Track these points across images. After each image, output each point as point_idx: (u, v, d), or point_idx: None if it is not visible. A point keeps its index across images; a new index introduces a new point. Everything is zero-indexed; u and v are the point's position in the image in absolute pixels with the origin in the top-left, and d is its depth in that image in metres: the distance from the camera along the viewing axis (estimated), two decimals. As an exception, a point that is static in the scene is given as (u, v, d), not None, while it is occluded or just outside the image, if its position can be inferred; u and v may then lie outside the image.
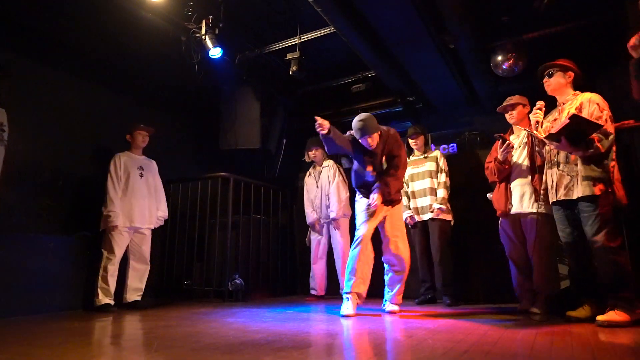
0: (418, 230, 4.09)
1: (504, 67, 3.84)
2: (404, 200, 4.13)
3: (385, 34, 3.63)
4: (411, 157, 4.23)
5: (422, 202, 4.03)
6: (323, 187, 4.61)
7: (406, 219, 3.98)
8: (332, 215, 4.45)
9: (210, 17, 3.77)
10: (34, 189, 3.60)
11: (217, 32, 3.79)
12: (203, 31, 3.78)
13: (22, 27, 3.57)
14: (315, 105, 5.46)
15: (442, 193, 3.94)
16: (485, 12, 3.72)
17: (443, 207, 3.89)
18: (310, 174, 4.82)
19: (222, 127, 4.88)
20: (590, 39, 3.83)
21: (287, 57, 4.15)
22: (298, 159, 5.16)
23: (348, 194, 4.52)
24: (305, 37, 4.11)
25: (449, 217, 3.97)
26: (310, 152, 4.71)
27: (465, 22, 3.45)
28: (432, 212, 3.91)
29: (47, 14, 3.51)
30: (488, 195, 3.47)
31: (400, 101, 4.81)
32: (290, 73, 4.14)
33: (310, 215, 4.65)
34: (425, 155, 4.16)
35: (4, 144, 2.98)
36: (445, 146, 4.79)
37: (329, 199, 4.53)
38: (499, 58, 3.85)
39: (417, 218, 4.06)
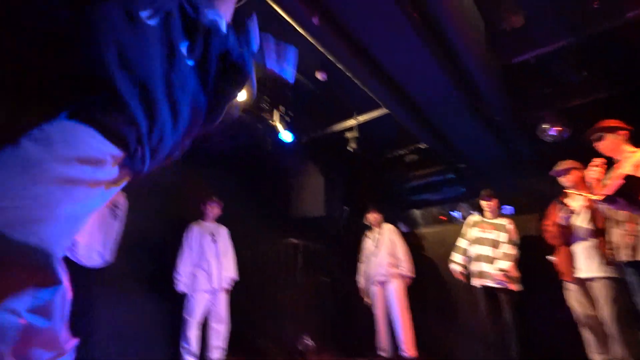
0: (483, 295, 3.80)
1: (552, 133, 3.73)
2: (458, 257, 3.93)
3: (431, 111, 3.73)
4: (480, 217, 4.05)
5: (486, 267, 3.76)
6: (385, 247, 4.50)
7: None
8: (403, 271, 4.33)
9: (280, 107, 4.13)
10: (135, 256, 3.91)
11: (287, 119, 4.13)
12: (275, 119, 4.14)
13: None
14: (373, 173, 5.57)
15: (507, 265, 3.67)
16: (526, 83, 3.72)
17: (506, 279, 3.61)
18: (368, 236, 4.78)
19: (291, 197, 5.11)
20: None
21: (346, 136, 4.36)
22: (359, 223, 5.19)
23: None
24: (362, 118, 4.32)
25: (516, 287, 3.65)
26: (369, 215, 4.72)
27: (504, 94, 3.47)
28: (498, 279, 3.64)
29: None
30: (549, 257, 3.23)
31: (451, 169, 4.78)
32: (349, 149, 4.32)
33: (361, 281, 4.56)
34: (496, 221, 3.93)
35: (119, 219, 3.32)
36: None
37: (394, 258, 4.41)
38: (545, 125, 3.76)
39: (478, 283, 3.80)
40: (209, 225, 4.13)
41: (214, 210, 4.15)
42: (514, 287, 3.62)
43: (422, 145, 4.74)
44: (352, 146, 4.29)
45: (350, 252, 5.49)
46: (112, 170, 0.85)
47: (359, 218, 5.15)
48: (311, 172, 5.06)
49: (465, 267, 3.93)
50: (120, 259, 3.45)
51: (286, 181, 5.25)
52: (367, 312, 4.89)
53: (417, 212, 5.60)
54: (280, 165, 5.24)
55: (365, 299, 4.61)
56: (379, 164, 5.46)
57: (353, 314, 5.26)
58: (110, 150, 0.81)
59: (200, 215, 4.13)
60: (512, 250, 3.71)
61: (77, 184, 0.77)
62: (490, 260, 3.74)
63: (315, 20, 2.73)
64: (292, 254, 4.60)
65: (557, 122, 3.72)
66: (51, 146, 0.73)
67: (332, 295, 4.94)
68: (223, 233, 4.18)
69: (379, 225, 4.71)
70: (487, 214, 4.00)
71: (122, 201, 3.41)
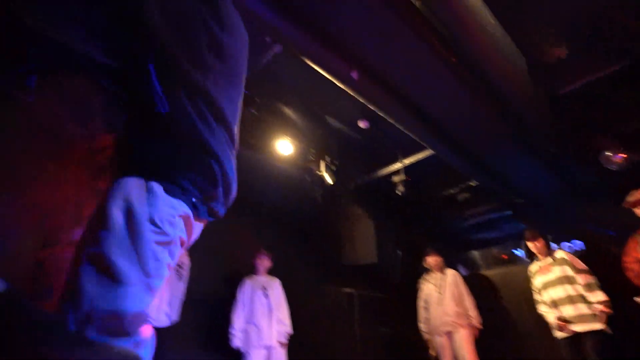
0: (567, 345, 3.35)
1: (616, 161, 3.46)
2: (544, 308, 3.57)
3: (479, 149, 3.64)
4: (535, 263, 3.74)
5: (568, 310, 3.35)
6: (450, 293, 4.17)
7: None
8: (472, 321, 4.00)
9: (327, 157, 4.23)
10: (195, 313, 3.99)
11: (333, 168, 4.19)
12: (323, 169, 4.22)
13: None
14: (425, 215, 5.41)
15: (597, 296, 3.24)
16: (579, 112, 3.54)
17: (607, 310, 3.14)
18: (428, 281, 4.48)
19: (342, 245, 5.06)
20: None
21: (394, 180, 4.32)
22: (415, 268, 4.98)
23: None
24: (407, 161, 4.29)
25: (604, 326, 3.16)
26: (429, 258, 4.48)
27: (555, 125, 3.32)
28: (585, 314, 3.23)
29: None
30: (637, 299, 2.87)
31: (507, 205, 4.54)
32: (398, 193, 4.26)
33: (424, 331, 4.29)
34: (552, 258, 3.61)
35: (184, 280, 3.44)
36: (568, 244, 4.22)
37: (461, 306, 4.09)
38: (608, 153, 3.50)
39: (561, 334, 3.37)
40: (261, 278, 4.10)
41: (264, 262, 4.14)
42: (601, 326, 3.14)
43: (473, 183, 4.57)
44: (400, 189, 4.23)
45: (408, 300, 5.25)
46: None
47: (414, 262, 4.96)
48: (360, 218, 5.02)
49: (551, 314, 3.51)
50: (181, 316, 3.59)
51: (336, 229, 5.23)
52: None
53: (475, 253, 5.30)
54: (329, 213, 5.26)
55: (430, 351, 4.30)
56: (430, 205, 5.31)
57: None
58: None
59: (252, 269, 4.16)
60: (588, 279, 3.31)
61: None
62: (569, 300, 3.35)
63: (354, 75, 2.84)
64: (347, 304, 4.47)
65: (620, 149, 3.46)
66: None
67: (393, 347, 4.67)
68: (275, 286, 4.12)
69: (440, 269, 4.43)
70: (538, 255, 3.70)
71: (187, 261, 3.57)
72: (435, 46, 2.65)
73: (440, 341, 4.11)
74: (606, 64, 2.99)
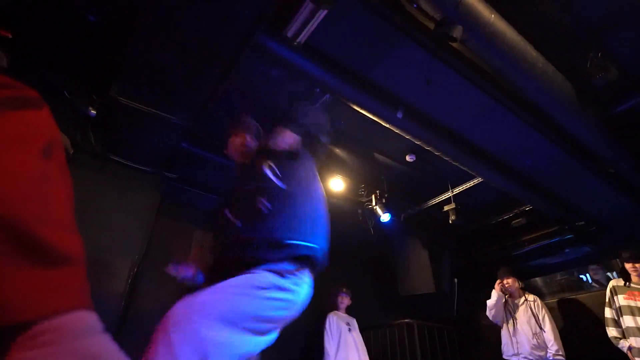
0: None
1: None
2: (614, 331, 3.31)
3: (534, 176, 3.55)
4: (620, 280, 3.45)
5: None
6: (529, 322, 3.71)
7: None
8: (553, 354, 3.48)
9: (377, 191, 4.30)
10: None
11: (384, 201, 4.25)
12: (374, 202, 4.29)
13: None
14: (480, 242, 5.25)
15: None
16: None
17: None
18: (507, 308, 3.92)
19: (398, 276, 5.01)
20: None
21: (445, 209, 4.28)
22: (472, 296, 4.81)
23: None
24: (457, 190, 4.26)
25: None
26: (507, 280, 3.90)
27: (614, 144, 3.17)
28: None
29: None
30: None
31: (568, 228, 4.30)
32: (450, 222, 4.20)
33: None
34: None
35: None
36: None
37: (540, 337, 3.60)
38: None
39: None
40: (343, 315, 4.15)
41: (344, 300, 4.22)
42: None
43: (528, 207, 4.40)
44: (452, 218, 4.17)
45: (468, 329, 5.03)
46: None
47: (472, 292, 4.79)
48: (415, 247, 4.97)
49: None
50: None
51: (392, 261, 5.21)
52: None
53: (538, 280, 5.00)
54: (385, 245, 5.26)
55: None
56: (485, 232, 5.15)
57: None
58: None
59: (334, 307, 4.22)
60: None
61: None
62: None
63: (399, 115, 2.96)
64: (409, 334, 4.38)
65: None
66: None
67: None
68: (355, 324, 4.17)
69: (518, 294, 3.94)
70: (635, 278, 3.37)
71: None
72: (478, 81, 2.72)
73: None
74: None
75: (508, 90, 2.83)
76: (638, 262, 3.34)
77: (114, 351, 0.54)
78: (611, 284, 3.55)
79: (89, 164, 3.21)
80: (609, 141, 3.18)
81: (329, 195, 3.98)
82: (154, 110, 2.72)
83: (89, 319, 0.53)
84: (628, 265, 3.38)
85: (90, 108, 2.93)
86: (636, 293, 3.30)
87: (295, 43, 2.35)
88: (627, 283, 3.39)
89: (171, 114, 2.78)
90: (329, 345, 3.82)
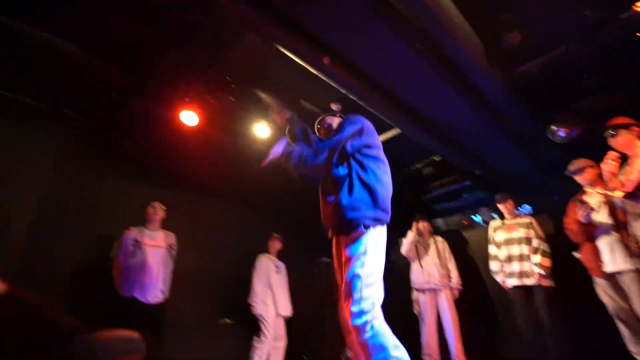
0: (518, 295, 3.75)
1: (560, 134, 3.70)
2: (495, 265, 3.93)
3: (448, 130, 3.80)
4: (498, 220, 4.10)
5: (520, 266, 3.74)
6: (436, 257, 4.39)
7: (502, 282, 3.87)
8: (454, 283, 4.31)
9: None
10: (196, 290, 4.12)
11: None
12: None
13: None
14: (395, 188, 5.58)
15: (539, 259, 3.67)
16: (536, 90, 3.68)
17: (543, 272, 3.59)
18: (417, 245, 4.53)
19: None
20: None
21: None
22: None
23: None
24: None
25: (550, 282, 3.63)
26: (419, 224, 4.53)
27: (515, 101, 3.47)
28: (533, 274, 3.64)
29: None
30: (575, 254, 3.20)
31: (467, 176, 4.78)
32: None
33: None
34: (519, 220, 3.94)
35: (172, 259, 3.62)
36: (519, 208, 4.51)
37: (445, 269, 4.35)
38: (554, 127, 3.73)
39: (517, 282, 3.73)
40: (273, 258, 4.45)
41: (274, 244, 4.49)
42: (548, 282, 3.60)
43: (437, 158, 4.76)
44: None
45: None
46: None
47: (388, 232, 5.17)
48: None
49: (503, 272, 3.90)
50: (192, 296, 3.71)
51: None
52: (404, 319, 4.82)
53: (440, 221, 5.60)
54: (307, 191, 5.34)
55: (416, 309, 4.42)
56: (398, 179, 5.48)
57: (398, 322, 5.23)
58: None
59: (265, 249, 4.48)
60: (542, 245, 3.72)
61: None
62: (522, 258, 3.74)
63: (326, 61, 2.91)
64: (326, 272, 4.68)
65: (565, 123, 3.69)
66: None
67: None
68: (282, 268, 4.49)
69: (428, 235, 4.60)
70: (507, 215, 4.02)
71: (175, 242, 3.67)
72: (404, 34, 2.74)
73: (424, 299, 4.30)
74: (559, 46, 3.12)
75: (433, 47, 2.89)
76: (502, 203, 3.98)
77: None
78: (491, 224, 4.16)
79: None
80: (512, 100, 3.48)
81: (254, 141, 3.87)
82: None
83: None
84: (500, 206, 4.02)
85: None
86: (510, 226, 3.93)
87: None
88: (503, 221, 4.03)
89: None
90: (256, 283, 4.07)
